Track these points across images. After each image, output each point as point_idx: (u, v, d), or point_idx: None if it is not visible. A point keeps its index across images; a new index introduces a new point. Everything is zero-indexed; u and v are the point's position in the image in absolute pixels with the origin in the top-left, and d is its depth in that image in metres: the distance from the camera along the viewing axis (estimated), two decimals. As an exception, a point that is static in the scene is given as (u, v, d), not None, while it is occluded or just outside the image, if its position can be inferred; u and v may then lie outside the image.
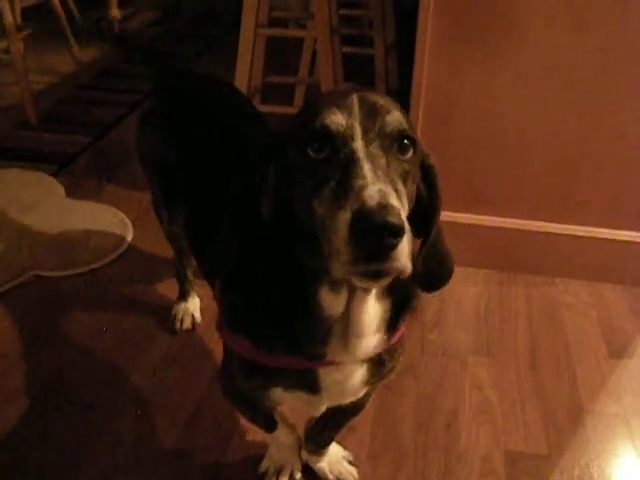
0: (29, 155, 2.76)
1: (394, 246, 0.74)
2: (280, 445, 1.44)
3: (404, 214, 0.79)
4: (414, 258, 0.95)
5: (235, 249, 0.98)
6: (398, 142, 0.85)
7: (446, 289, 2.00)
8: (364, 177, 0.77)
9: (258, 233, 0.93)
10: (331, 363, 1.01)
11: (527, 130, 1.93)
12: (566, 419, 1.63)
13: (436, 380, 1.72)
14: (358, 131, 0.82)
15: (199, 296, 1.91)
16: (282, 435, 1.40)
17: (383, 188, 0.76)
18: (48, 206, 2.40)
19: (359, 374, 1.07)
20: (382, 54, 3.10)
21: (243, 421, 1.55)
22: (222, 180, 1.33)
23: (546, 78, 1.85)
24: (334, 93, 0.91)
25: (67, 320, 1.89)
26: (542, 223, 2.05)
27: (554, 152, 1.95)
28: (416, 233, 0.98)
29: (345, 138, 0.82)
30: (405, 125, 0.86)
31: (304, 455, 1.48)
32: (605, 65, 1.81)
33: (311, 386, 1.06)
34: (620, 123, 1.88)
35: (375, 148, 0.82)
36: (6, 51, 3.18)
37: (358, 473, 1.47)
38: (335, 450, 1.49)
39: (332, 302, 0.93)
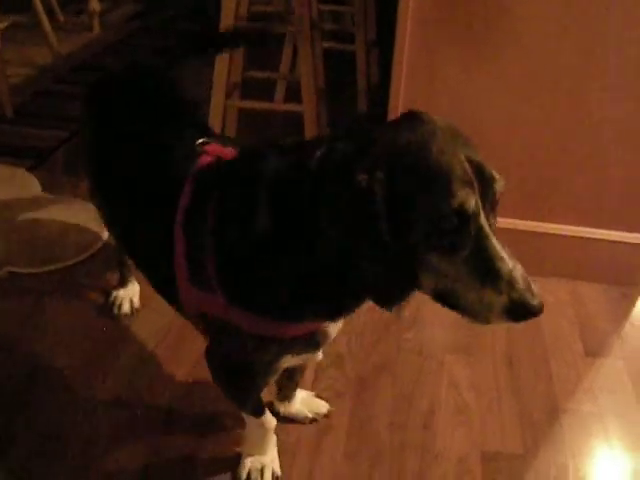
0: (4, 149, 2.72)
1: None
2: (263, 432, 1.41)
3: None
4: None
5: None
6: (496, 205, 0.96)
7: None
8: (501, 258, 0.90)
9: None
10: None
11: (506, 129, 1.93)
12: (542, 418, 1.63)
13: (412, 379, 1.71)
14: (480, 205, 0.91)
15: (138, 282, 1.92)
16: (267, 419, 1.39)
17: (521, 269, 0.91)
18: (24, 202, 2.37)
19: (340, 323, 1.23)
20: (363, 50, 3.09)
21: (219, 420, 1.55)
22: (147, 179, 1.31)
23: (528, 80, 1.85)
24: (442, 151, 0.92)
25: (42, 317, 1.86)
26: (519, 221, 2.05)
27: (534, 152, 1.95)
28: None
29: (473, 215, 0.90)
30: (503, 187, 0.95)
31: (280, 408, 1.57)
32: (586, 68, 1.82)
33: (315, 344, 1.21)
34: (599, 125, 1.89)
35: (491, 218, 0.94)
36: (-17, 43, 3.14)
37: (334, 468, 1.47)
38: (302, 393, 1.60)
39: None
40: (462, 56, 1.84)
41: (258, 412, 1.36)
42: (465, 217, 0.89)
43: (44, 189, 2.44)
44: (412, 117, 0.98)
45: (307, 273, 1.04)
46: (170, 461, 1.48)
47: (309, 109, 2.51)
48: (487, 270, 0.90)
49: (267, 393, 1.55)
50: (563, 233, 2.05)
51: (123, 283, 1.92)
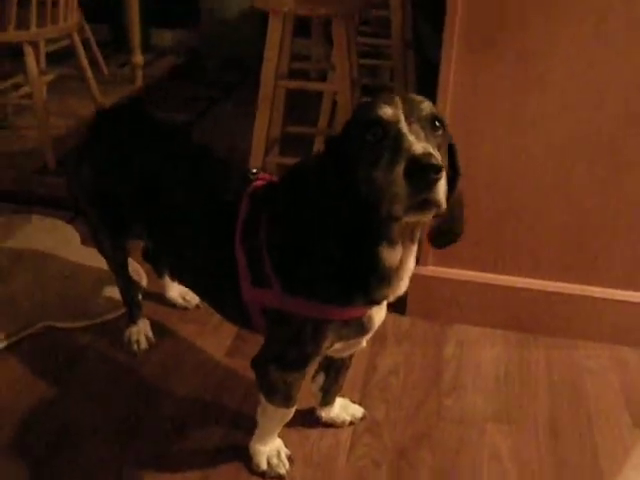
0: (46, 200, 2.75)
1: (437, 180, 1.01)
2: (284, 420, 1.53)
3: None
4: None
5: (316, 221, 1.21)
6: (431, 123, 1.12)
7: (464, 350, 1.97)
8: (410, 142, 1.04)
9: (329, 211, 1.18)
10: (380, 303, 1.32)
11: (549, 191, 1.90)
12: (588, 494, 1.56)
13: (452, 449, 1.65)
14: (402, 117, 1.09)
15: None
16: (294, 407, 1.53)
17: (425, 145, 1.03)
18: (63, 254, 2.39)
19: (384, 308, 1.39)
20: (402, 105, 3.09)
21: None
22: (195, 199, 1.51)
23: (569, 143, 1.83)
24: (380, 97, 1.15)
25: (77, 373, 1.86)
26: (563, 284, 2.01)
27: (576, 213, 1.91)
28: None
29: (393, 123, 1.09)
30: (435, 110, 1.13)
31: (322, 413, 1.70)
32: (629, 128, 1.79)
33: (363, 329, 1.36)
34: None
35: (415, 127, 1.08)
36: (28, 95, 3.20)
37: None
38: (340, 400, 1.72)
39: (392, 257, 1.21)
40: (503, 116, 1.83)
41: (294, 404, 1.49)
42: (385, 123, 1.08)
43: (83, 241, 2.46)
44: None
45: (335, 259, 1.22)
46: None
47: (347, 165, 2.50)
48: (396, 156, 1.04)
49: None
50: (606, 297, 1.99)
51: (134, 320, 1.97)
